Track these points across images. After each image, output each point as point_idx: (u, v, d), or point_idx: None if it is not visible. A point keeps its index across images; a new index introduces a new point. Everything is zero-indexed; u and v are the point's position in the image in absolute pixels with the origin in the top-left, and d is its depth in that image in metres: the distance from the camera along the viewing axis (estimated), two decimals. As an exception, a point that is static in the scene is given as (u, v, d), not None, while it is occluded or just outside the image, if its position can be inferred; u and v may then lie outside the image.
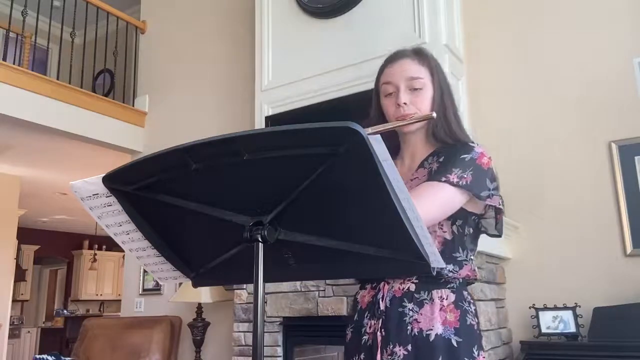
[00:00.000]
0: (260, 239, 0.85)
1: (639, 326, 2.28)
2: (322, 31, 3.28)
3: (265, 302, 2.85)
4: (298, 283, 2.81)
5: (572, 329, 2.50)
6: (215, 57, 4.35)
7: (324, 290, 2.74)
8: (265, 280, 0.85)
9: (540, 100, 2.98)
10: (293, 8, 3.42)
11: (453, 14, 3.11)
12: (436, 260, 0.88)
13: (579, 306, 2.53)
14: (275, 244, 0.88)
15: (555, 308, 2.57)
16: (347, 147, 0.73)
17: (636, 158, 2.67)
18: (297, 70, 3.31)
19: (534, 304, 2.64)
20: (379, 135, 0.75)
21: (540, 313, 2.59)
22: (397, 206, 0.79)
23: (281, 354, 2.87)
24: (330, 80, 3.16)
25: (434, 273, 0.89)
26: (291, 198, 0.83)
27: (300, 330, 2.90)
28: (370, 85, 1.44)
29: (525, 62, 3.06)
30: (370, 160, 0.74)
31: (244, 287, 3.03)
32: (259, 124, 3.42)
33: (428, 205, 1.17)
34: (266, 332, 2.87)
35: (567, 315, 2.53)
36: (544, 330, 2.56)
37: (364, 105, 1.44)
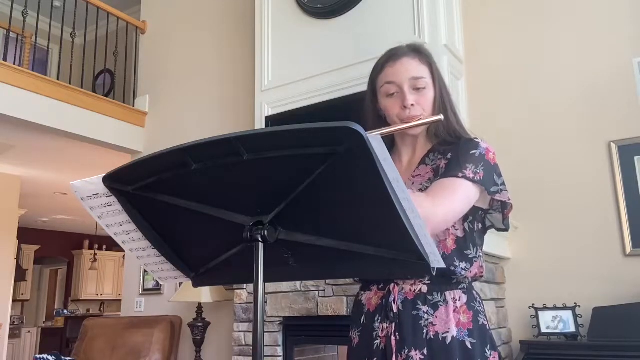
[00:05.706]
0: (260, 239, 0.85)
1: (638, 326, 2.28)
2: (322, 31, 3.28)
3: (265, 302, 2.85)
4: (298, 283, 2.81)
5: (571, 328, 2.50)
6: (215, 57, 4.35)
7: (324, 290, 2.74)
8: (265, 280, 0.85)
9: (540, 100, 2.98)
10: (293, 8, 3.42)
11: (453, 14, 3.12)
12: (436, 261, 0.87)
13: (579, 306, 2.53)
14: (275, 244, 0.88)
15: (555, 308, 2.57)
16: (347, 147, 0.73)
17: (636, 158, 2.67)
18: (297, 70, 3.31)
19: (533, 304, 2.64)
20: (379, 135, 0.75)
21: (540, 313, 2.59)
22: (397, 206, 0.79)
23: (281, 354, 2.87)
24: (330, 80, 3.15)
25: (434, 273, 0.88)
26: (291, 198, 0.83)
27: (300, 330, 2.90)
28: (370, 85, 1.43)
29: (525, 62, 3.06)
30: (370, 160, 0.73)
31: (244, 287, 3.03)
32: (259, 124, 3.42)
33: (453, 201, 1.16)
34: (266, 332, 2.87)
35: (567, 315, 2.53)
36: (543, 330, 2.56)
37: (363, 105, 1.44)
